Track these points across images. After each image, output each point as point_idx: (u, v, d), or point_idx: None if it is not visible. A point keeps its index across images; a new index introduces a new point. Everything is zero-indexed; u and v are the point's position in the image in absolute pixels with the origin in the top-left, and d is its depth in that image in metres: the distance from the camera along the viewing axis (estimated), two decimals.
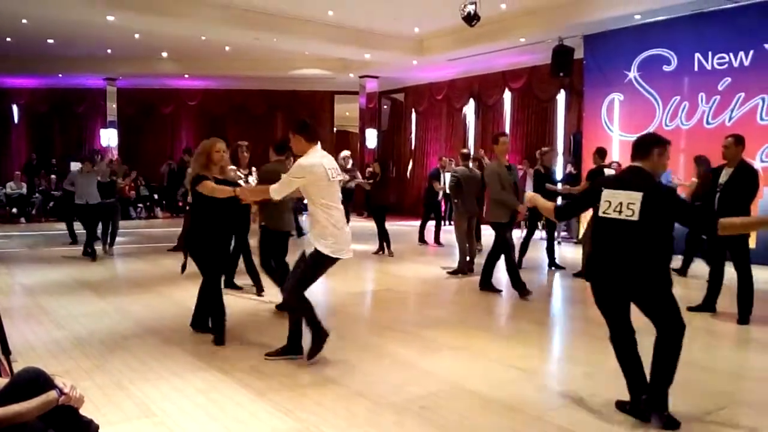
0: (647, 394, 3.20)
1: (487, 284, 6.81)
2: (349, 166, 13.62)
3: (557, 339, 5.52)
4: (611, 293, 3.30)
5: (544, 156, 8.52)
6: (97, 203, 9.02)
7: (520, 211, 6.52)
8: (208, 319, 4.87)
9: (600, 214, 3.27)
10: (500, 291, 6.78)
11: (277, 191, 4.26)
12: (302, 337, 4.35)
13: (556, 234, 11.17)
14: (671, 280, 3.23)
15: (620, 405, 3.37)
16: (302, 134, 4.26)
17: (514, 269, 6.53)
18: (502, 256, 6.59)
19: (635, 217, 3.10)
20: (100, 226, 9.28)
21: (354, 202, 13.37)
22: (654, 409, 3.16)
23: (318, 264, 4.21)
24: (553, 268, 8.39)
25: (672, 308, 3.19)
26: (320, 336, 4.27)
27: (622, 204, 3.15)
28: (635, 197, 3.12)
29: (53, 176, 15.19)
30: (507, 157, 6.83)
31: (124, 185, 10.41)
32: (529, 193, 4.09)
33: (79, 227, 10.44)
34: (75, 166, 12.98)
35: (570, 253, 9.99)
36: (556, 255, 8.60)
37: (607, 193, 3.24)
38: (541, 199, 3.84)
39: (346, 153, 12.25)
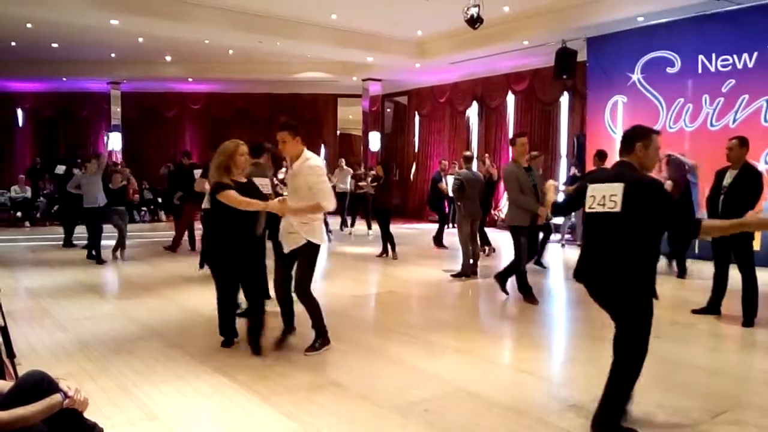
0: (596, 411, 3.07)
1: (502, 279, 6.61)
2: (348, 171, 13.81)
3: (560, 341, 5.49)
4: (595, 295, 3.18)
5: (533, 161, 8.48)
6: (104, 205, 8.98)
7: (541, 214, 6.25)
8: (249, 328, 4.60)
9: (587, 209, 3.19)
10: (507, 294, 6.65)
11: (328, 200, 4.37)
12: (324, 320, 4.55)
13: (560, 236, 11.25)
14: (654, 289, 3.05)
15: None
16: (299, 135, 4.43)
17: (522, 274, 6.43)
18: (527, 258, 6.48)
19: (617, 209, 3.00)
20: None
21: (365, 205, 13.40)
22: (598, 430, 3.04)
23: (315, 255, 4.47)
24: (539, 265, 8.42)
25: (643, 324, 3.01)
26: (323, 339, 4.56)
27: (605, 197, 3.06)
28: (616, 188, 3.02)
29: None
30: (526, 158, 6.58)
31: (128, 188, 10.41)
32: (551, 181, 4.05)
33: (76, 230, 10.53)
34: (59, 170, 13.07)
35: (574, 256, 9.96)
36: (544, 255, 8.74)
37: (591, 188, 3.17)
38: (551, 193, 3.85)
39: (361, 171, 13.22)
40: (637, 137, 3.15)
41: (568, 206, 3.86)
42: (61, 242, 10.80)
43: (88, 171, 9.12)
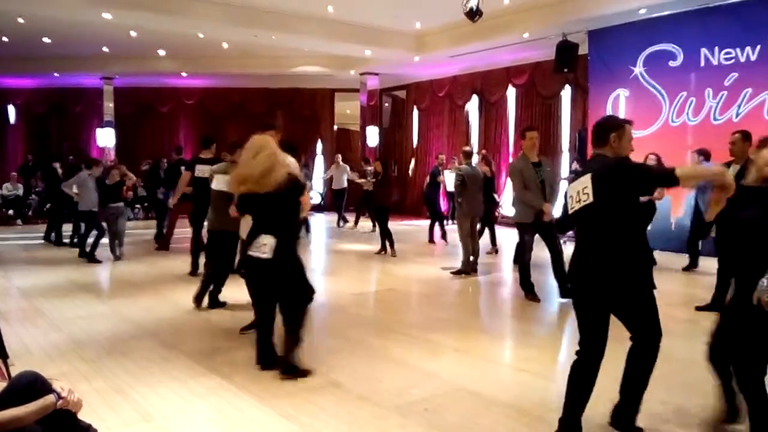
0: (617, 408, 3.05)
1: (563, 290, 6.25)
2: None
3: (559, 340, 5.40)
4: (589, 296, 3.01)
5: None
6: (101, 205, 8.86)
7: (546, 211, 5.96)
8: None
9: (569, 212, 3.09)
10: (539, 300, 6.32)
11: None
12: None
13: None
14: (650, 281, 2.97)
15: None
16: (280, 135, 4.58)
17: (525, 270, 6.28)
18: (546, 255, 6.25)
19: (591, 199, 2.90)
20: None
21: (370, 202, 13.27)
22: (622, 428, 3.01)
23: None
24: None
25: (648, 310, 2.94)
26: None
27: (579, 192, 2.97)
28: (586, 180, 2.93)
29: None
30: (536, 152, 6.27)
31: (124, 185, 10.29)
32: None
33: (64, 230, 10.42)
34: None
35: None
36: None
37: (569, 189, 3.09)
38: None
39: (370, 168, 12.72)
40: (611, 128, 3.05)
41: (566, 216, 3.68)
42: (44, 238, 10.72)
43: (94, 173, 8.97)
